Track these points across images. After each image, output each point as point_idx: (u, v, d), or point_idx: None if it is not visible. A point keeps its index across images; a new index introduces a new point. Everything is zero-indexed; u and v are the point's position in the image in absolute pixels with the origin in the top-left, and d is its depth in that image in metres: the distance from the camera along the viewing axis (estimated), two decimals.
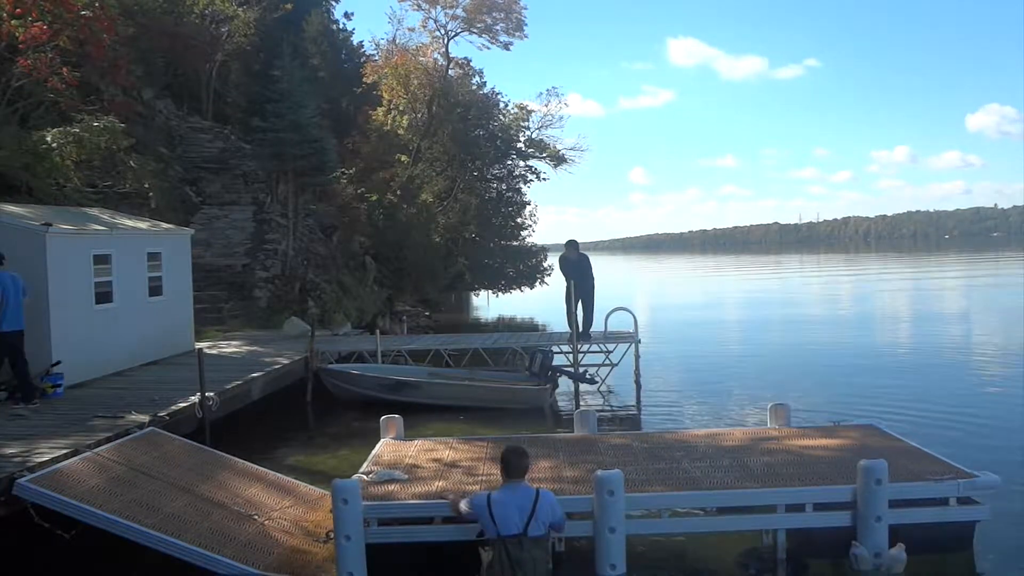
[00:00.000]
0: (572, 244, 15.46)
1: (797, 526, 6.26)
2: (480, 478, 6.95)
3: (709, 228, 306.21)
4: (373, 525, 6.15)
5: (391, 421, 8.56)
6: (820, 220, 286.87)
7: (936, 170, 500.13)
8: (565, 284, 14.64)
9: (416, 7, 34.10)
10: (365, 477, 7.00)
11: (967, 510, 6.19)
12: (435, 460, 7.62)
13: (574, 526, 5.93)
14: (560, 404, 13.60)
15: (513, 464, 5.07)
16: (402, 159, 32.91)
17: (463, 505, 5.16)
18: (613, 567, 5.61)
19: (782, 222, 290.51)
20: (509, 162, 37.04)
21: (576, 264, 15.05)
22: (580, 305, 14.70)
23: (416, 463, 7.51)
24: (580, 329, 14.70)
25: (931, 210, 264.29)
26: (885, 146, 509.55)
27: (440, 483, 6.80)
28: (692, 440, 8.05)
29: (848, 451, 7.10)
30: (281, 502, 7.29)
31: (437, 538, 6.24)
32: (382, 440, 8.38)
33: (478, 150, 35.13)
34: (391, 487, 6.73)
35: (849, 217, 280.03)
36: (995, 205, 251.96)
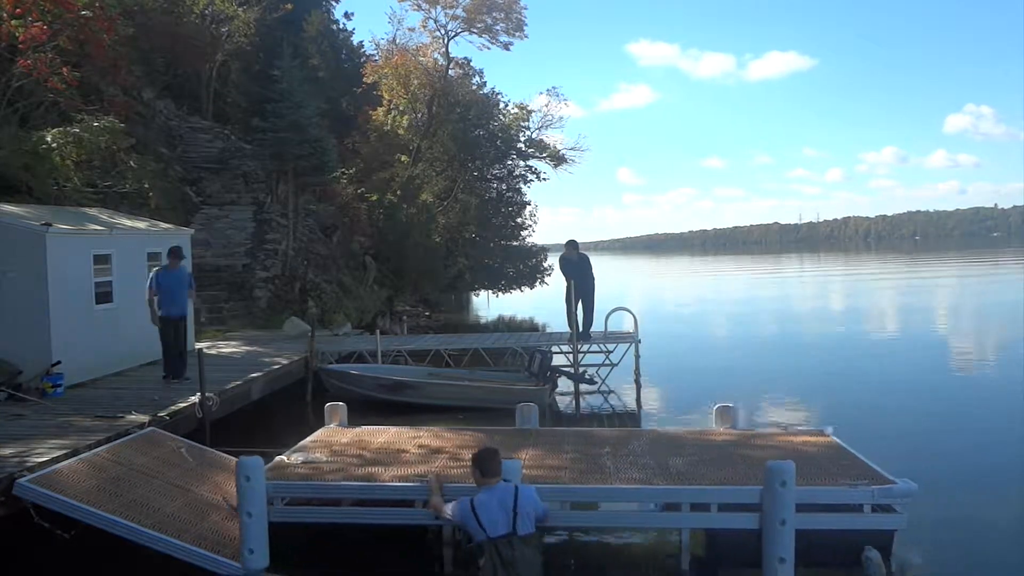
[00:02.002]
0: (572, 244, 15.46)
1: (700, 526, 6.09)
2: (412, 464, 7.02)
3: (709, 228, 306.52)
4: (277, 504, 6.19)
5: (335, 409, 8.75)
6: (820, 220, 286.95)
7: (928, 171, 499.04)
8: (565, 284, 14.66)
9: (416, 7, 34.15)
10: (285, 459, 7.08)
11: (882, 518, 5.89)
12: (366, 446, 7.72)
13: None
14: (560, 404, 13.60)
15: (487, 465, 5.08)
16: (402, 159, 32.92)
17: (448, 509, 5.13)
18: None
19: (782, 222, 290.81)
20: (509, 162, 37.03)
21: (576, 264, 15.05)
22: (580, 305, 14.71)
23: (347, 448, 7.60)
24: (580, 329, 14.71)
25: (931, 210, 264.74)
26: (872, 147, 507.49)
27: (366, 468, 6.87)
28: (627, 438, 7.99)
29: (777, 455, 6.74)
30: None
31: (343, 520, 6.24)
32: (323, 427, 8.54)
33: (478, 150, 35.11)
34: (309, 469, 6.80)
35: (849, 217, 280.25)
36: (995, 205, 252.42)
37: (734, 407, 8.37)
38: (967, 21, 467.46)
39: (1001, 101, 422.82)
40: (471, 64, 36.39)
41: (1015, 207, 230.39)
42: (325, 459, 7.15)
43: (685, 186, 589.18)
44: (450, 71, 34.99)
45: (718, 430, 8.16)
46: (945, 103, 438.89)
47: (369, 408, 12.26)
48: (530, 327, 26.53)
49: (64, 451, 7.32)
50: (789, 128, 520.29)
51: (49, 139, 15.67)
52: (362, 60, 34.68)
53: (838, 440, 7.39)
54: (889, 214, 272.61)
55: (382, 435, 8.19)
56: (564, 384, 14.03)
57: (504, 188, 37.18)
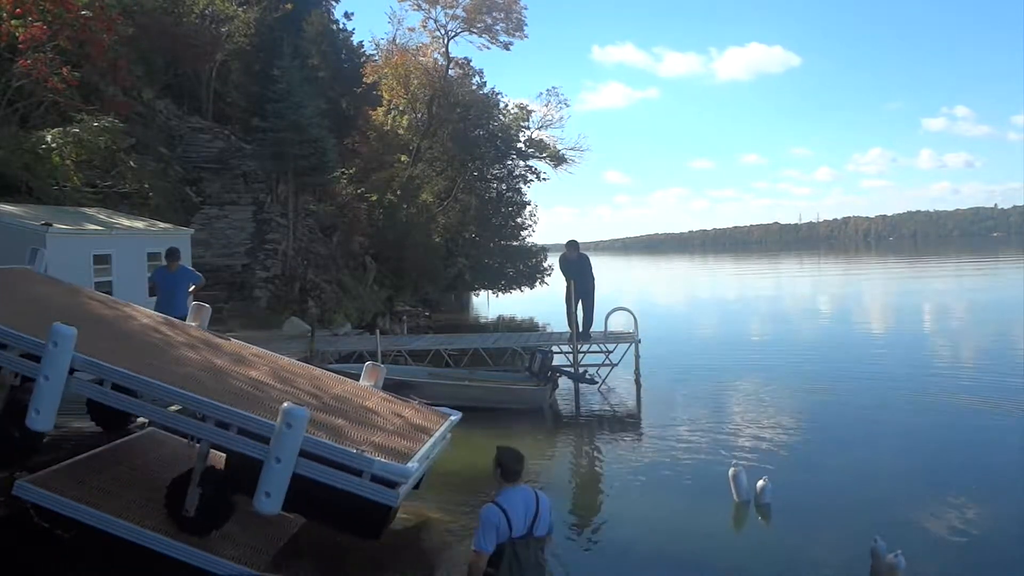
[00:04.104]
0: (572, 244, 15.47)
1: (213, 440, 6.11)
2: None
3: (709, 228, 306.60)
4: None
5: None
6: (820, 220, 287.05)
7: (920, 171, 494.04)
8: (565, 284, 14.66)
9: (416, 7, 34.19)
10: None
11: (373, 487, 5.73)
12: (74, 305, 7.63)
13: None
14: (560, 404, 13.60)
15: (518, 467, 5.06)
16: (402, 159, 32.93)
17: (483, 545, 4.94)
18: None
19: (782, 222, 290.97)
20: (509, 162, 37.03)
21: (576, 264, 15.05)
22: (580, 305, 14.71)
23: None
24: (580, 329, 14.71)
25: (931, 210, 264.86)
26: (858, 148, 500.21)
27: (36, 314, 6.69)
28: (291, 368, 7.77)
29: (359, 415, 6.75)
30: None
31: None
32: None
33: (478, 150, 35.12)
34: None
35: (849, 217, 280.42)
36: (995, 205, 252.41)
37: (381, 366, 8.28)
38: (940, 22, 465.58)
39: (977, 102, 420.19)
40: (471, 64, 36.44)
41: (1015, 207, 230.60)
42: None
43: (675, 186, 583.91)
44: (450, 71, 35.00)
45: (365, 387, 8.07)
46: (920, 106, 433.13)
47: None
48: (530, 327, 26.51)
49: (64, 451, 7.32)
50: (773, 128, 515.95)
51: (49, 139, 15.69)
52: (362, 60, 34.64)
53: (448, 421, 7.31)
54: (889, 214, 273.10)
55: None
56: (564, 384, 14.02)
57: (504, 188, 37.18)
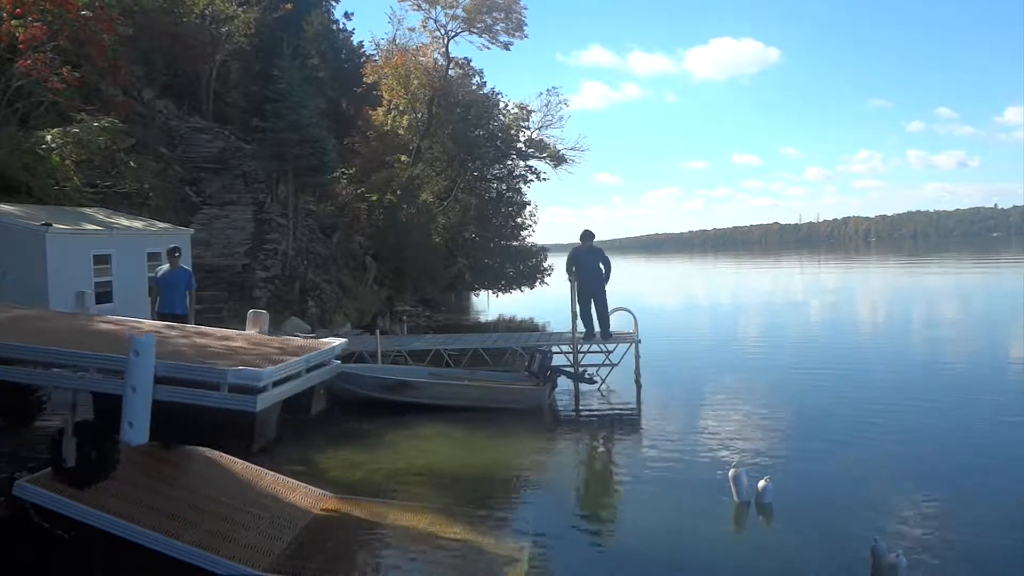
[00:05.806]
0: (586, 235, 15.03)
1: (71, 386, 6.22)
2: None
3: (708, 228, 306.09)
4: None
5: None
6: (820, 220, 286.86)
7: (914, 172, 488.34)
8: (569, 280, 14.65)
9: (416, 7, 34.07)
10: None
11: (235, 398, 5.73)
12: None
13: None
14: (560, 404, 13.60)
15: None
16: (402, 159, 32.89)
17: None
18: None
19: (781, 222, 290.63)
20: (509, 162, 36.97)
21: (584, 257, 14.81)
22: (593, 304, 14.66)
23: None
24: (598, 328, 14.66)
25: (931, 210, 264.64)
26: (847, 149, 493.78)
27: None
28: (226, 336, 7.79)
29: (252, 351, 6.71)
30: (281, 502, 7.29)
31: None
32: None
33: (478, 150, 35.05)
34: None
35: (849, 217, 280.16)
36: (995, 205, 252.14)
37: (263, 313, 8.30)
38: (921, 22, 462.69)
39: (960, 102, 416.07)
40: (471, 64, 36.35)
41: (1015, 207, 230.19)
42: None
43: (668, 186, 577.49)
44: (450, 71, 34.95)
45: (248, 332, 8.16)
46: (903, 104, 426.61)
47: (369, 409, 12.29)
48: (530, 327, 26.50)
49: None
50: (759, 128, 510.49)
51: (49, 139, 15.68)
52: (362, 60, 34.67)
53: (328, 347, 7.29)
54: (888, 214, 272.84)
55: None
56: (564, 384, 14.02)
57: (504, 188, 37.12)
